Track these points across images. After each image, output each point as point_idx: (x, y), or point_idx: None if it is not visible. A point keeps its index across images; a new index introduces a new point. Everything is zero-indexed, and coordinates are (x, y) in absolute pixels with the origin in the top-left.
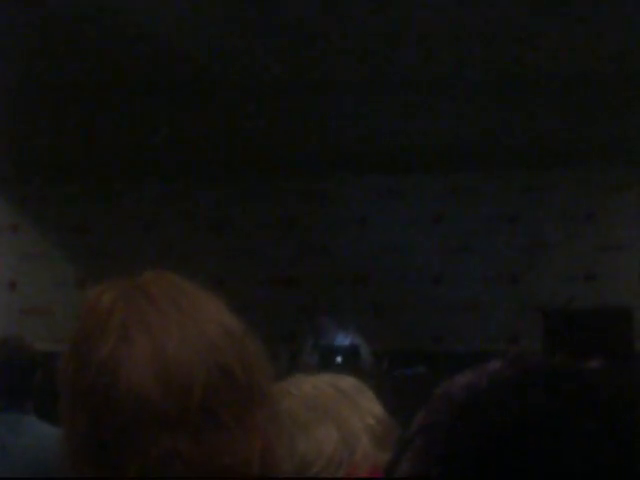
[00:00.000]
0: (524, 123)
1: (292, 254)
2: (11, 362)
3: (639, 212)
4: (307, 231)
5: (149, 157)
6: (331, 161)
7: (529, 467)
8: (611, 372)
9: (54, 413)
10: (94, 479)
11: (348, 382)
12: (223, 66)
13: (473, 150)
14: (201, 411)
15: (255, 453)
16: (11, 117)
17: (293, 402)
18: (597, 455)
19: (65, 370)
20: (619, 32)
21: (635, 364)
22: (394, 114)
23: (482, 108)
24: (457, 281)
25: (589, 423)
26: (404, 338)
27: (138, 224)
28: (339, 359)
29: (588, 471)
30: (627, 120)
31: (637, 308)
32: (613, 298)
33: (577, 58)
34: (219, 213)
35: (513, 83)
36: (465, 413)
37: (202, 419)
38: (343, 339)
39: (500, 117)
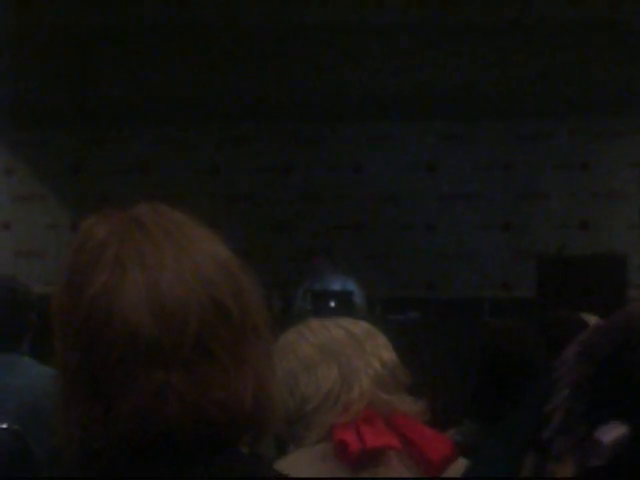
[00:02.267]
0: (518, 71)
1: (286, 200)
2: (6, 303)
3: (633, 160)
4: (301, 177)
5: (143, 100)
6: (326, 107)
7: None
8: None
9: (49, 354)
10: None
11: (361, 327)
12: (218, 10)
13: (468, 98)
14: (195, 346)
15: (248, 388)
16: (3, 62)
17: (304, 344)
18: None
19: (58, 304)
20: None
21: None
22: (389, 60)
23: (476, 55)
24: (451, 228)
25: None
26: (398, 284)
27: (132, 167)
28: (332, 304)
29: None
30: (621, 69)
31: (630, 255)
32: (607, 245)
33: (571, 4)
34: (213, 157)
35: (508, 30)
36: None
37: (196, 354)
38: (337, 284)
39: (495, 64)
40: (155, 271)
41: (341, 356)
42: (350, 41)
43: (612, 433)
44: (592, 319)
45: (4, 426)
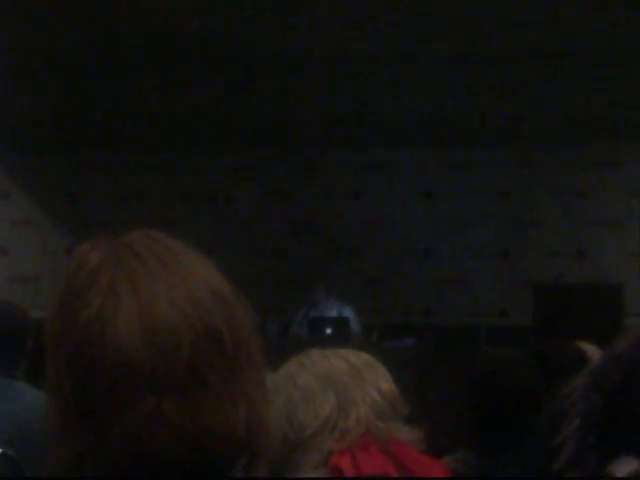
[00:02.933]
0: (516, 99)
1: (284, 226)
2: (3, 327)
3: (629, 189)
4: (299, 203)
5: (140, 128)
6: (324, 134)
7: None
8: None
9: (44, 379)
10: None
11: (361, 358)
12: (217, 40)
13: (465, 125)
14: (187, 372)
15: (240, 416)
16: (2, 87)
17: (304, 374)
18: None
19: (51, 329)
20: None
21: None
22: (387, 88)
23: (475, 83)
24: (448, 255)
25: None
26: (394, 311)
27: (129, 194)
28: (329, 330)
29: None
30: (617, 97)
31: (627, 283)
32: (603, 274)
33: (569, 35)
34: (211, 184)
35: (505, 59)
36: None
37: (188, 380)
38: (333, 311)
39: (492, 92)
40: (148, 297)
41: (339, 384)
42: (348, 69)
43: (625, 468)
44: (589, 348)
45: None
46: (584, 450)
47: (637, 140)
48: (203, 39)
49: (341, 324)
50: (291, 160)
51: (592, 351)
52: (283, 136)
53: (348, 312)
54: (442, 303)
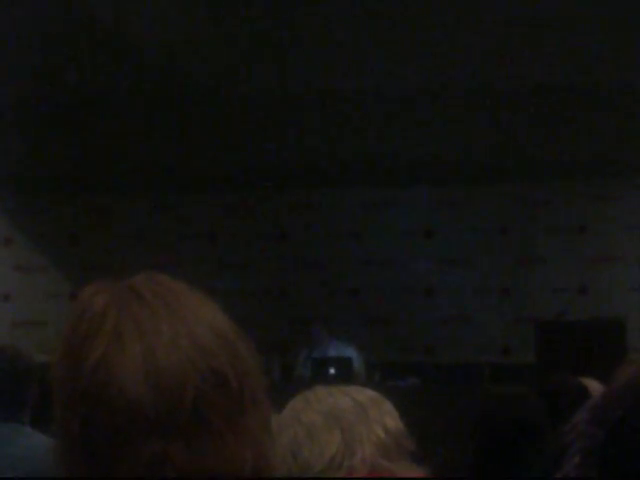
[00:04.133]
0: (515, 137)
1: (284, 266)
2: (7, 372)
3: (629, 222)
4: (299, 243)
5: (139, 170)
6: (323, 174)
7: None
8: None
9: (50, 424)
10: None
11: (366, 395)
12: (216, 80)
13: (464, 163)
14: (192, 415)
15: (247, 459)
16: (4, 131)
17: (309, 411)
18: None
19: (57, 373)
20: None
21: None
22: (386, 127)
23: (473, 121)
24: (449, 293)
25: None
26: (397, 350)
27: (130, 236)
28: (332, 371)
29: None
30: (617, 132)
31: (630, 318)
32: (606, 310)
33: (567, 71)
34: (211, 225)
35: (502, 97)
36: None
37: (193, 424)
38: (336, 351)
39: (491, 130)
40: (152, 341)
41: (344, 421)
42: (346, 108)
43: None
44: (592, 384)
45: None
46: None
47: (637, 174)
48: (203, 79)
49: (344, 364)
50: (290, 199)
51: (595, 387)
52: (282, 175)
53: (351, 352)
54: (444, 341)
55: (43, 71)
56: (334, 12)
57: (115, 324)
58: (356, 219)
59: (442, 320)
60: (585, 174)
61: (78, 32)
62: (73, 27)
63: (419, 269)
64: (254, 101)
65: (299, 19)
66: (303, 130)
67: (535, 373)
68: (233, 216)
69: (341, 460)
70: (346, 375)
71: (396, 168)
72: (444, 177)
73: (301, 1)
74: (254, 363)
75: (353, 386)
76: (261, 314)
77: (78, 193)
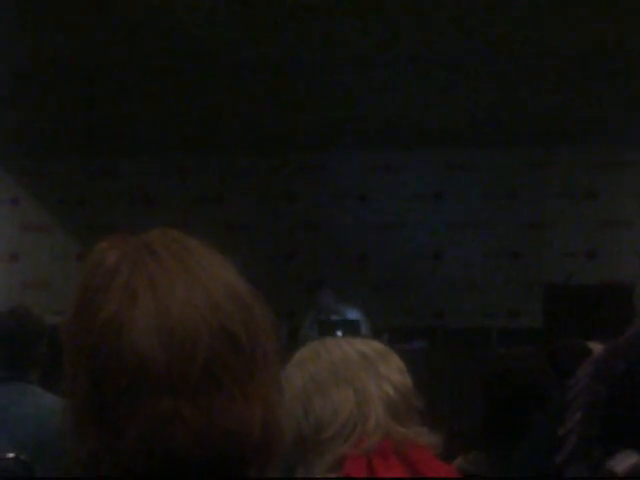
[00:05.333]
0: (526, 100)
1: (292, 229)
2: (17, 332)
3: (639, 189)
4: (307, 206)
5: (148, 132)
6: (331, 137)
7: None
8: None
9: (59, 384)
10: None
11: (374, 348)
12: (221, 42)
13: (474, 126)
14: (203, 373)
15: (256, 418)
16: (13, 92)
17: (318, 363)
18: None
19: (68, 330)
20: (621, 11)
21: None
22: (394, 90)
23: (483, 84)
24: (458, 257)
25: None
26: (405, 314)
27: (138, 198)
28: (339, 333)
29: None
30: (629, 98)
31: (638, 283)
32: (614, 274)
33: (579, 35)
34: (218, 187)
35: (514, 59)
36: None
37: (204, 382)
38: (343, 314)
39: (501, 93)
40: (165, 297)
41: (355, 380)
42: (355, 71)
43: (625, 462)
44: (599, 348)
45: (12, 455)
46: (587, 443)
47: None
48: (213, 42)
49: (351, 327)
50: (298, 162)
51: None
52: (291, 138)
53: (357, 315)
54: (453, 305)
55: (52, 34)
56: None
57: (128, 279)
58: (365, 182)
59: (450, 284)
60: (596, 139)
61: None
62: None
63: (428, 233)
64: (263, 65)
65: None
66: (311, 94)
67: (542, 337)
68: (241, 179)
69: (354, 424)
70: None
71: (405, 131)
72: (453, 141)
73: None
74: (267, 323)
75: (363, 339)
76: (269, 277)
77: (86, 155)
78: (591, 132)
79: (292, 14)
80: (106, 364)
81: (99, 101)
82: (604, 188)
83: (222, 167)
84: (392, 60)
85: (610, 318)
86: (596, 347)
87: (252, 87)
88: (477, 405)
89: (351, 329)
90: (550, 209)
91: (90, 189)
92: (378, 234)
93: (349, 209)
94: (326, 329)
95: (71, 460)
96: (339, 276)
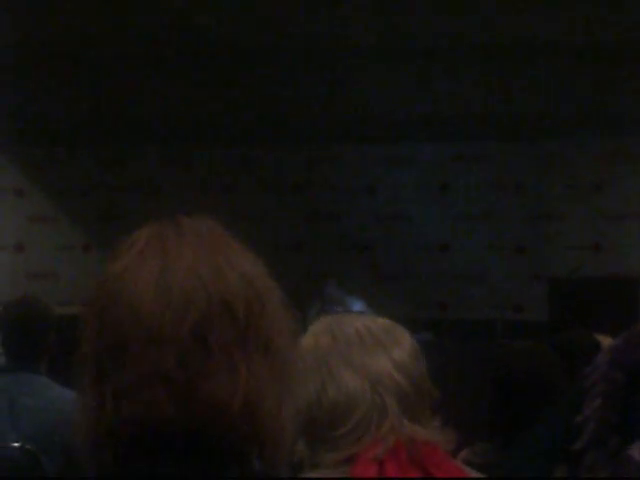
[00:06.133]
0: (532, 92)
1: (298, 220)
2: (26, 322)
3: None
4: (314, 197)
5: (154, 122)
6: (339, 128)
7: None
8: None
9: (67, 374)
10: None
11: (387, 328)
12: (231, 33)
13: (480, 118)
14: (192, 334)
15: (238, 391)
16: (18, 80)
17: (332, 345)
18: None
19: (88, 299)
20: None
21: None
22: (402, 82)
23: (489, 76)
24: (463, 249)
25: None
26: (410, 306)
27: (144, 188)
28: None
29: None
30: (636, 90)
31: None
32: (620, 268)
33: (585, 28)
34: (225, 178)
35: (521, 51)
36: None
37: (192, 342)
38: (349, 305)
39: (507, 86)
40: (172, 262)
41: (369, 369)
42: (364, 63)
43: None
44: (605, 340)
45: (17, 445)
46: (605, 430)
47: None
48: (220, 33)
49: None
50: (306, 154)
51: (608, 343)
52: (299, 130)
53: (362, 306)
54: (458, 297)
55: (59, 23)
56: None
57: (144, 246)
58: (371, 174)
59: (456, 276)
60: (601, 131)
61: None
62: None
63: (434, 225)
64: (271, 55)
65: None
66: (319, 84)
67: (547, 330)
68: (249, 169)
69: (368, 425)
70: None
71: (412, 123)
72: (460, 133)
73: None
74: (278, 314)
75: (374, 317)
76: (274, 267)
77: (91, 145)
78: (597, 124)
79: (302, 4)
80: (105, 318)
81: (106, 90)
82: (610, 181)
83: (230, 158)
84: (400, 54)
85: (615, 311)
86: (603, 341)
87: (261, 78)
88: (482, 397)
89: None
90: (556, 202)
91: (96, 179)
92: (384, 226)
93: (356, 201)
94: None
95: (75, 426)
96: (345, 267)
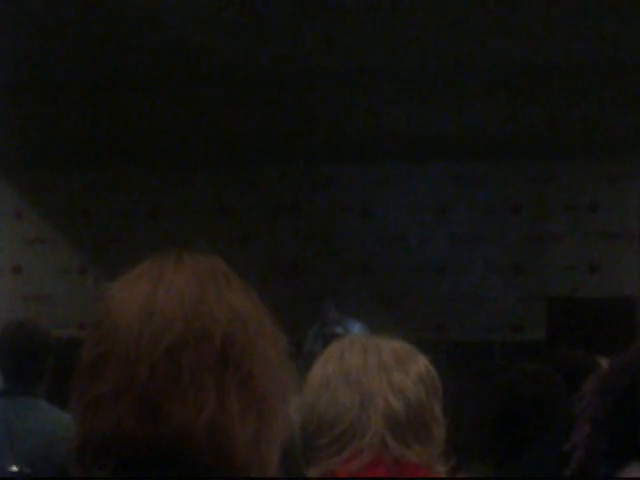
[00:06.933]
0: (529, 113)
1: (296, 242)
2: (24, 346)
3: None
4: (311, 219)
5: (151, 145)
6: (335, 149)
7: None
8: None
9: (64, 397)
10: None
11: (398, 352)
12: (232, 58)
13: (477, 140)
14: (166, 356)
15: (203, 416)
16: (17, 105)
17: (338, 365)
18: None
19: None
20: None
21: None
22: (399, 103)
23: (487, 98)
24: (461, 270)
25: None
26: (407, 327)
27: (141, 211)
28: None
29: None
30: (630, 111)
31: None
32: (616, 288)
33: (583, 52)
34: (222, 200)
35: (519, 74)
36: None
37: (165, 364)
38: (347, 327)
39: (505, 107)
40: (162, 286)
41: (365, 388)
42: (360, 84)
43: (634, 475)
44: (603, 361)
45: (15, 469)
46: (594, 457)
47: None
48: (218, 57)
49: None
50: (303, 175)
51: (606, 365)
52: (295, 152)
53: (360, 328)
54: (455, 318)
55: (58, 48)
56: None
57: (142, 270)
58: (369, 195)
59: (453, 297)
60: (598, 152)
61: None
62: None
63: (431, 246)
64: (270, 78)
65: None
66: (317, 106)
67: (545, 350)
68: (245, 191)
69: (352, 435)
70: None
71: (409, 145)
72: (457, 154)
73: None
74: (269, 357)
75: (391, 339)
76: (272, 290)
77: (89, 167)
78: (593, 145)
79: (298, 25)
80: (97, 330)
81: (104, 114)
82: (607, 201)
83: (227, 179)
84: (396, 75)
85: (613, 331)
86: (601, 361)
87: (259, 100)
88: (479, 419)
89: None
90: (552, 222)
91: (93, 202)
92: (382, 247)
93: (353, 222)
94: (330, 342)
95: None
96: (343, 289)
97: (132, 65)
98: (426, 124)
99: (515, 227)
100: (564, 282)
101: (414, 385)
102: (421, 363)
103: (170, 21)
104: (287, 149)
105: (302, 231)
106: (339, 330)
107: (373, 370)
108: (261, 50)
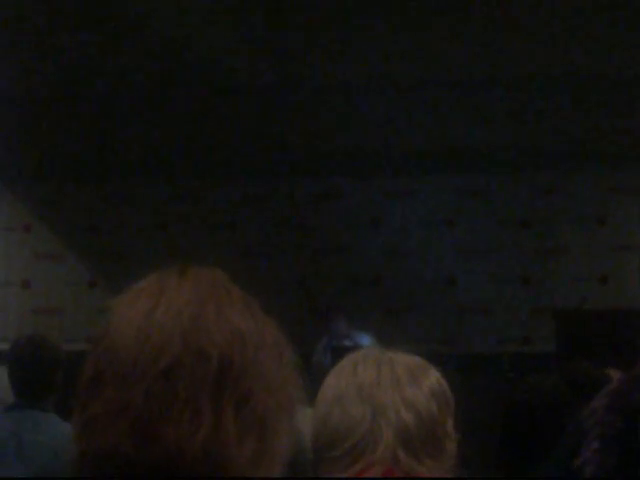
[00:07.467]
0: (538, 126)
1: (304, 256)
2: (34, 360)
3: None
4: (319, 232)
5: (161, 158)
6: (345, 162)
7: None
8: None
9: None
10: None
11: (411, 366)
12: (239, 72)
13: (487, 152)
14: (163, 377)
15: (198, 437)
16: (26, 119)
17: (351, 379)
18: None
19: None
20: (627, 36)
21: None
22: (408, 116)
23: (496, 112)
24: (470, 283)
25: None
26: (416, 339)
27: (150, 225)
28: None
29: None
30: (639, 123)
31: None
32: (626, 300)
33: (588, 64)
34: (232, 214)
35: (524, 86)
36: None
37: (161, 384)
38: (356, 339)
39: (513, 120)
40: (162, 303)
41: (377, 401)
42: (370, 98)
43: None
44: (613, 373)
45: None
46: (603, 474)
47: None
48: (225, 70)
49: None
50: (311, 189)
51: (616, 377)
52: (303, 165)
53: (369, 341)
54: (464, 331)
55: (67, 63)
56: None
57: (145, 284)
58: (377, 208)
59: (462, 310)
60: (606, 165)
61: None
62: (99, 20)
63: (440, 259)
64: (275, 92)
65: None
66: (324, 120)
67: (555, 363)
68: (254, 205)
69: (364, 448)
70: None
71: (417, 158)
72: (466, 167)
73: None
74: (271, 376)
75: (404, 353)
76: (280, 303)
77: (98, 181)
78: (601, 156)
79: (310, 38)
80: (97, 347)
81: (112, 128)
82: (614, 213)
83: (235, 193)
84: (406, 89)
85: (622, 343)
86: (611, 374)
87: (266, 114)
88: (489, 432)
89: None
90: (561, 234)
91: (102, 216)
92: (390, 260)
93: (362, 235)
94: (339, 355)
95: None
96: (351, 302)
97: (142, 79)
98: (435, 138)
99: (524, 240)
100: (573, 294)
101: (426, 400)
102: (434, 378)
103: (179, 36)
104: (295, 163)
105: (310, 244)
106: (348, 343)
107: (386, 384)
108: (272, 65)
